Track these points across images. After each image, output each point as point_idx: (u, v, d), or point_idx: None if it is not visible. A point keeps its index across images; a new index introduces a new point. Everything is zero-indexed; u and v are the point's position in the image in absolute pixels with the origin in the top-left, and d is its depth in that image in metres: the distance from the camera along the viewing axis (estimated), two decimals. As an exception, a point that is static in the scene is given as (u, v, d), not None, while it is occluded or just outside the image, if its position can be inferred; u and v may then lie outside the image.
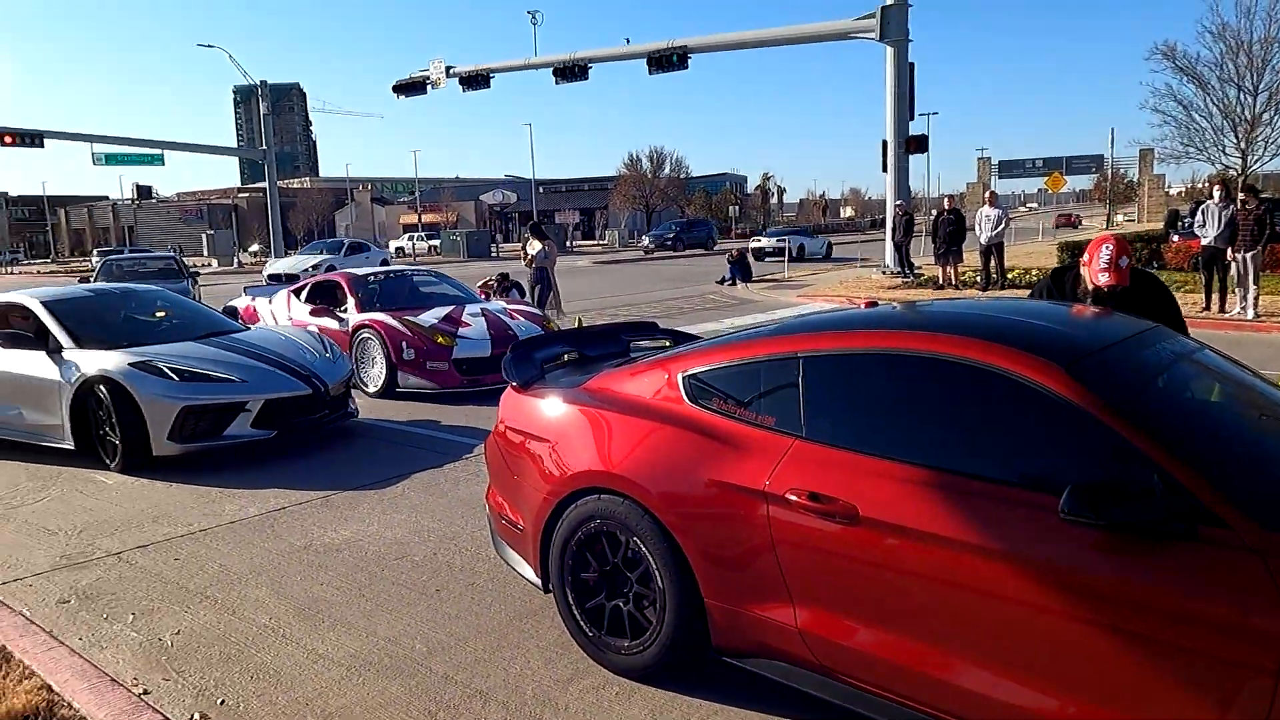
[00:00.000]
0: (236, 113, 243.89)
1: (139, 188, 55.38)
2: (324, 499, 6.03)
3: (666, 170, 79.18)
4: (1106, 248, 4.32)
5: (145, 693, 3.56)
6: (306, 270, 27.67)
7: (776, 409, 3.22)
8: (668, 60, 27.18)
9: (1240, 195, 13.74)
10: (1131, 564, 2.39)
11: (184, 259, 24.00)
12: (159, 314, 8.53)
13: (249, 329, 8.76)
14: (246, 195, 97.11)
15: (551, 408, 3.88)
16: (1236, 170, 29.15)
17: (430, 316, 9.73)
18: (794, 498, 2.98)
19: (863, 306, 3.92)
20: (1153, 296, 4.47)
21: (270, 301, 11.43)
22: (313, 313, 10.35)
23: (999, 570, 2.56)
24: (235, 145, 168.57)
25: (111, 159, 41.43)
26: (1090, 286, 4.39)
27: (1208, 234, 13.70)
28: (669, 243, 47.56)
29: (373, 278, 11.02)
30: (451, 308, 10.10)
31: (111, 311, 8.29)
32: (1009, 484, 2.67)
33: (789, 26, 26.54)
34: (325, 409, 7.43)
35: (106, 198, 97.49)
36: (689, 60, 27.17)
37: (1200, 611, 2.27)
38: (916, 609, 2.76)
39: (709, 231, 50.31)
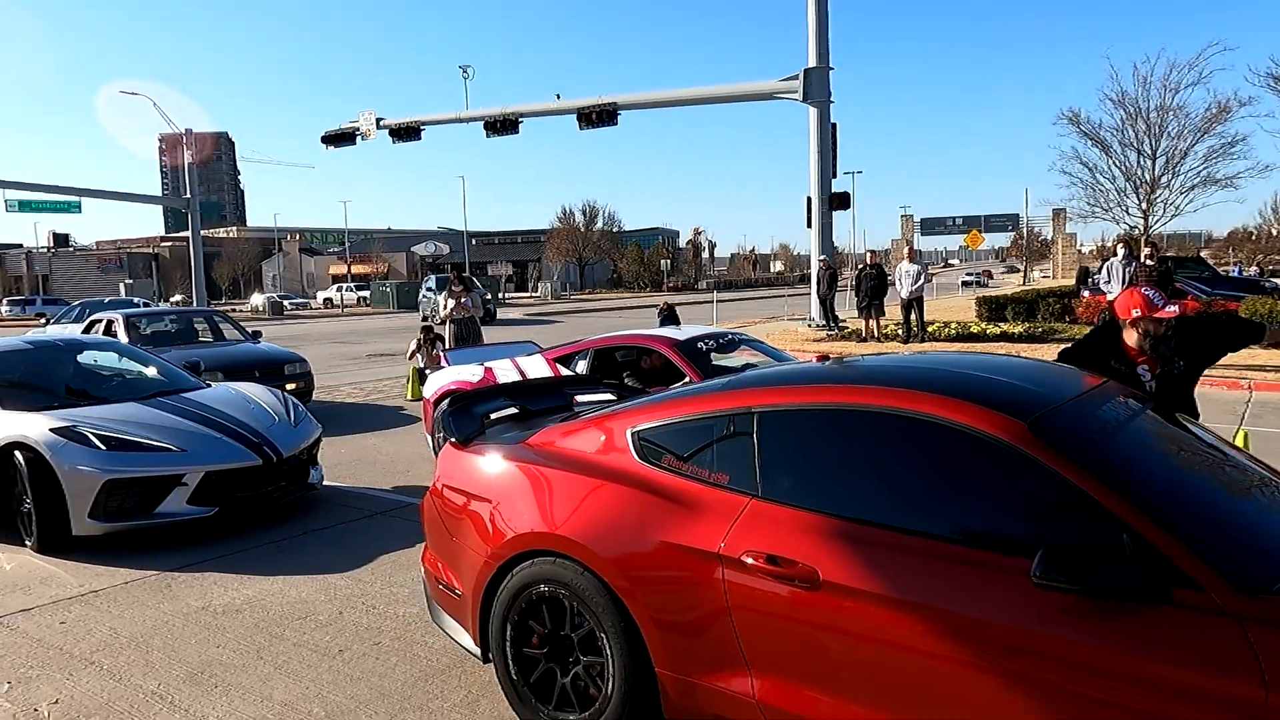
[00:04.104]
0: (161, 160, 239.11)
1: (55, 236, 53.55)
2: (226, 557, 5.79)
3: (599, 224, 79.96)
4: (1147, 292, 4.18)
5: (14, 768, 3.33)
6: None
7: (730, 467, 3.09)
8: (597, 116, 27.54)
9: (1145, 251, 14.40)
10: (1105, 629, 2.31)
11: (226, 312, 17.83)
12: (107, 370, 7.87)
13: (207, 387, 7.77)
14: (170, 244, 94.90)
15: (493, 465, 3.70)
16: (1139, 230, 30.58)
17: None
18: (750, 560, 2.84)
19: (814, 360, 3.82)
20: (1189, 339, 4.33)
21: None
22: None
23: (967, 637, 2.47)
24: (160, 194, 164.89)
25: (26, 206, 40.08)
26: (1150, 332, 4.11)
27: (1113, 289, 14.30)
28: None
29: None
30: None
31: (49, 368, 7.51)
32: (975, 546, 2.57)
33: (716, 86, 27.16)
34: (279, 481, 6.63)
35: (20, 245, 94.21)
36: (618, 116, 27.58)
37: (1176, 678, 2.20)
38: (881, 678, 2.63)
39: None
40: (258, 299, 57.74)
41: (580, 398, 4.54)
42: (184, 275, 66.85)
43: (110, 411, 6.58)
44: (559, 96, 29.27)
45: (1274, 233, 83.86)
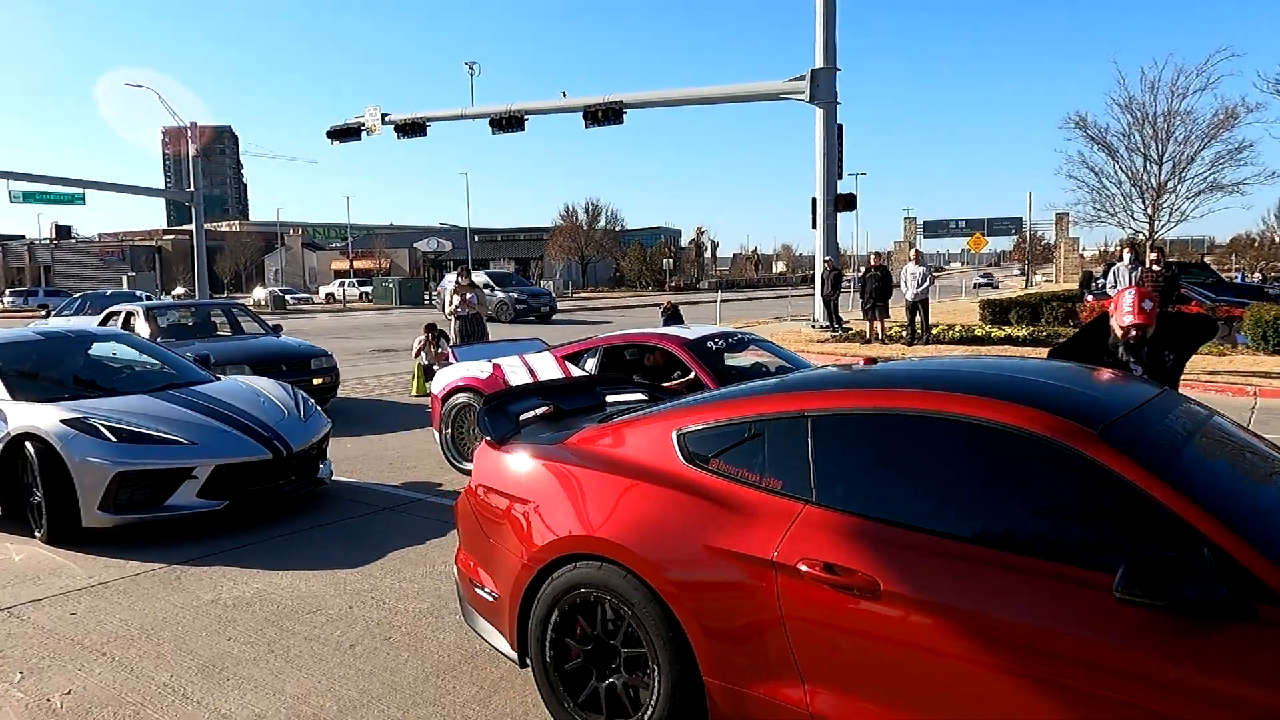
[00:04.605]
0: (165, 154, 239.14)
1: (58, 227, 53.46)
2: (236, 550, 5.80)
3: (602, 222, 79.92)
4: (1129, 294, 4.62)
5: (28, 758, 3.33)
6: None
7: (782, 471, 3.01)
8: (603, 114, 27.52)
9: (1151, 256, 14.40)
10: (1187, 646, 2.22)
11: (246, 304, 17.29)
12: (116, 362, 7.88)
13: (217, 379, 7.76)
14: (172, 237, 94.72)
15: (532, 466, 3.61)
16: (1144, 235, 30.56)
17: None
18: (806, 568, 2.75)
19: (861, 364, 3.72)
20: (1181, 330, 4.83)
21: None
22: None
23: (1037, 652, 2.39)
24: (163, 186, 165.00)
25: (30, 197, 40.08)
26: (1119, 334, 4.64)
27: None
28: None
29: None
30: None
31: (60, 359, 7.53)
32: (1047, 558, 2.48)
33: (723, 86, 27.16)
34: (289, 475, 6.62)
35: (23, 236, 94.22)
36: (624, 115, 27.58)
37: (1259, 699, 2.11)
38: (944, 692, 2.54)
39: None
40: (260, 293, 57.72)
41: (612, 398, 4.48)
42: (186, 268, 66.80)
43: (120, 403, 6.57)
44: (565, 94, 29.28)
45: (1277, 239, 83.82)
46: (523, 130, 30.04)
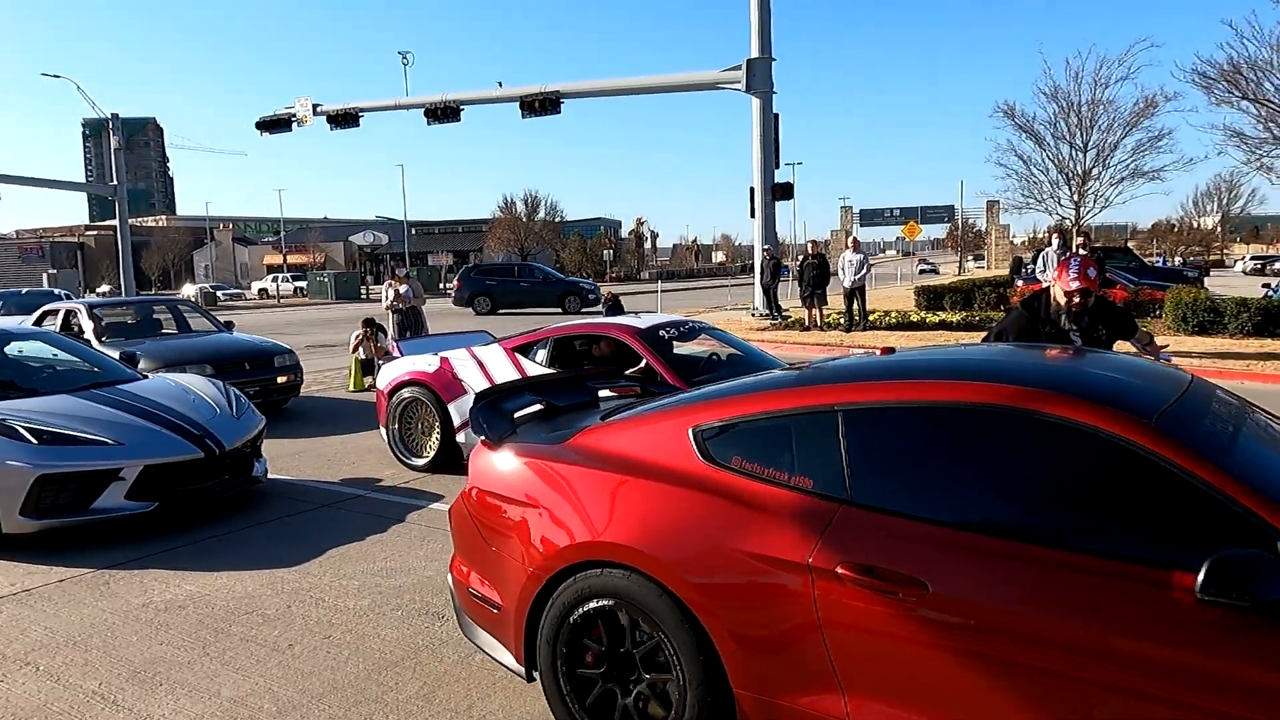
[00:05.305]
0: (86, 146, 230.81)
1: (-29, 224, 51.40)
2: (168, 553, 5.63)
3: (541, 213, 79.37)
4: (1075, 260, 4.79)
5: (-53, 775, 3.19)
6: None
7: (813, 469, 2.85)
8: (540, 105, 27.33)
9: (1078, 241, 14.82)
10: (1272, 647, 2.12)
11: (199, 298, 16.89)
12: (36, 361, 7.55)
13: (144, 378, 7.49)
14: (95, 233, 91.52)
15: (536, 468, 3.38)
16: (1071, 221, 31.45)
17: None
18: (844, 571, 2.60)
19: (878, 354, 3.54)
20: (1108, 314, 5.06)
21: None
22: None
23: (1103, 657, 2.27)
24: (84, 180, 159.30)
25: (-60, 192, 38.46)
26: (1063, 300, 4.78)
27: (1048, 278, 14.67)
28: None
29: None
30: None
31: None
32: (1105, 556, 2.35)
33: (660, 75, 27.19)
34: (222, 474, 6.43)
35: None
36: (562, 105, 27.42)
37: None
38: (999, 701, 2.41)
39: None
40: (189, 289, 56.19)
41: (604, 392, 4.32)
42: (111, 265, 64.73)
43: (41, 404, 6.32)
44: (501, 84, 29.02)
45: (1195, 225, 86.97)
46: (459, 121, 29.72)
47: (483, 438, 3.66)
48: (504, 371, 7.48)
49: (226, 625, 4.48)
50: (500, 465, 3.51)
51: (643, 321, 7.49)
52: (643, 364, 6.85)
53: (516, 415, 3.82)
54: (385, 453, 8.07)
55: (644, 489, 3.07)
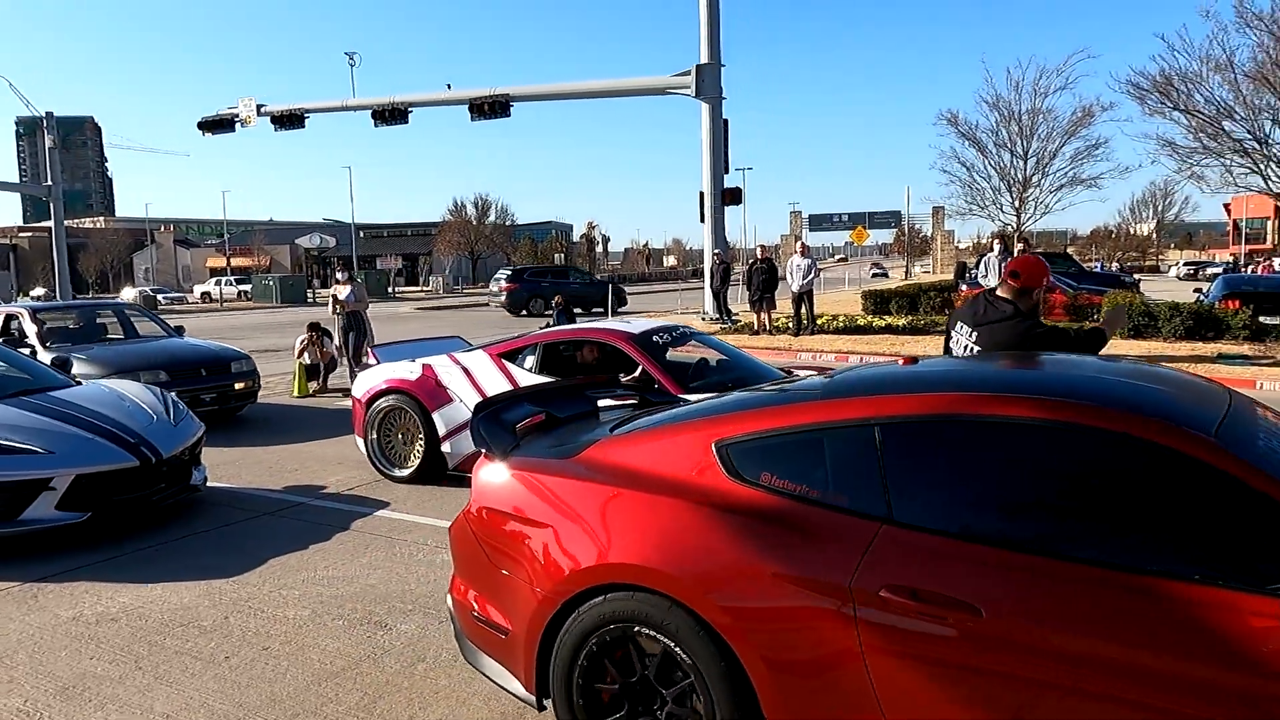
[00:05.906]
0: (19, 145, 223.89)
1: (-103, 225, 49.55)
2: (101, 564, 5.47)
3: (492, 217, 78.91)
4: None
5: None
6: None
7: (849, 486, 2.71)
8: (490, 108, 27.20)
9: (1018, 246, 15.16)
10: None
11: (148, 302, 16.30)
12: None
13: (77, 384, 7.32)
14: (29, 234, 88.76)
15: (547, 485, 3.20)
16: (1013, 227, 32.20)
17: None
18: (888, 595, 2.46)
19: (900, 364, 3.41)
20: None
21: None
22: None
23: (1174, 685, 2.16)
24: (18, 180, 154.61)
25: None
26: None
27: (990, 282, 14.99)
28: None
29: None
30: None
31: None
32: (1177, 578, 2.25)
33: (610, 80, 27.20)
34: (159, 482, 6.26)
35: None
36: (511, 108, 27.32)
37: None
38: None
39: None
40: (129, 292, 54.78)
41: (603, 402, 4.20)
42: (46, 267, 62.81)
43: None
44: (450, 86, 28.83)
45: (1131, 231, 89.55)
46: (406, 123, 29.49)
47: (485, 451, 3.50)
48: (491, 378, 7.28)
49: (161, 638, 4.37)
50: (506, 481, 3.32)
51: (634, 327, 7.32)
52: (638, 371, 6.73)
53: (519, 427, 3.65)
54: (329, 460, 7.95)
55: (665, 507, 2.91)
